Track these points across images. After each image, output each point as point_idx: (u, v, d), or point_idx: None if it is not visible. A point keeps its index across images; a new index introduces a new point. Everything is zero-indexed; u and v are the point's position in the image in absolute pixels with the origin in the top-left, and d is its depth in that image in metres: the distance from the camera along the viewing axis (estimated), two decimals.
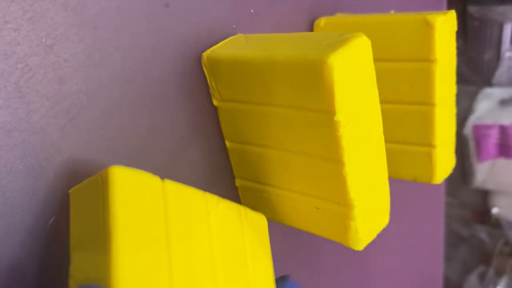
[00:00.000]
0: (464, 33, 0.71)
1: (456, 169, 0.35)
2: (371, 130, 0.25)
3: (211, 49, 0.27)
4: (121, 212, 0.19)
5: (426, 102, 0.31)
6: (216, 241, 0.23)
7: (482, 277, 0.87)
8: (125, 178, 0.20)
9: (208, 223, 0.23)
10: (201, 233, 0.22)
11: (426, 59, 0.30)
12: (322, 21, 0.33)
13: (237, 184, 0.30)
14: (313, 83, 0.22)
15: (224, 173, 0.30)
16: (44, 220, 0.22)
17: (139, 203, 0.20)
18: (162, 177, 0.26)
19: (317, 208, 0.27)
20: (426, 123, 0.31)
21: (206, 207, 0.23)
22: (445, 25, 0.29)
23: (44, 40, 0.21)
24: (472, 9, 0.70)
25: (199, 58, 0.27)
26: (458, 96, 0.34)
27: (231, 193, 0.31)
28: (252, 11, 0.30)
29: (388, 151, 0.27)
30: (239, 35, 0.28)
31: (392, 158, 0.31)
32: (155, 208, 0.21)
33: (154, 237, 0.20)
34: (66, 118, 0.22)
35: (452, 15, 0.30)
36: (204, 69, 0.27)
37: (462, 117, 0.78)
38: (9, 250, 0.21)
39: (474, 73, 0.75)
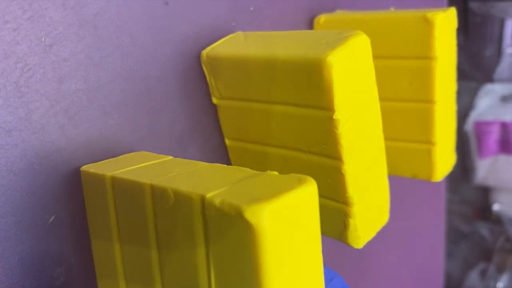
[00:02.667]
0: (465, 29, 0.71)
1: (457, 165, 0.35)
2: (370, 128, 0.25)
3: (210, 47, 0.27)
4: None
5: (426, 100, 0.31)
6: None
7: (483, 273, 0.87)
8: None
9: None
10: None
11: (426, 56, 0.30)
12: (322, 18, 0.33)
13: None
14: (312, 82, 0.22)
15: None
16: (44, 218, 0.22)
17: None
18: None
19: None
20: (426, 120, 0.31)
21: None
22: (445, 22, 0.29)
23: (43, 39, 0.21)
24: (473, 5, 0.69)
25: (198, 56, 0.27)
26: (459, 92, 0.34)
27: None
28: (251, 8, 0.30)
29: (388, 149, 0.27)
30: (239, 32, 0.28)
31: (392, 156, 0.31)
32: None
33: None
34: (66, 117, 0.22)
35: (452, 12, 0.30)
36: (204, 67, 0.27)
37: (463, 114, 0.78)
38: (9, 249, 0.21)
39: (475, 69, 0.75)
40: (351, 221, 0.25)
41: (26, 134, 0.21)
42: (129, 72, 0.24)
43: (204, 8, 0.27)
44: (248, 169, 0.19)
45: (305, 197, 0.17)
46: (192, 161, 0.22)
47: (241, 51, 0.26)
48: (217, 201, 0.16)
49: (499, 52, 0.72)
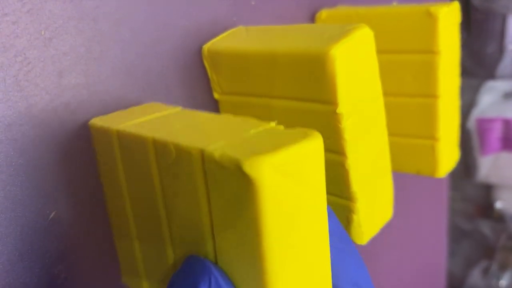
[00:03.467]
0: (468, 26, 0.71)
1: (459, 163, 0.35)
2: (374, 122, 0.25)
3: (211, 41, 0.27)
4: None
5: (430, 95, 0.30)
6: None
7: (485, 271, 0.87)
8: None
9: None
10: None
11: (429, 51, 0.29)
12: (323, 13, 0.33)
13: None
14: (315, 75, 0.22)
15: None
16: (44, 214, 0.22)
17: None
18: None
19: None
20: (430, 115, 0.31)
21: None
22: (449, 16, 0.29)
23: (43, 33, 0.21)
24: (476, 1, 0.69)
25: (199, 51, 0.27)
26: (461, 89, 0.33)
27: None
28: (253, 3, 0.29)
29: (391, 144, 0.27)
30: (240, 27, 0.28)
31: (395, 151, 0.31)
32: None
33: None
34: (66, 111, 0.22)
35: (455, 6, 0.30)
36: (205, 62, 0.27)
37: (465, 110, 0.77)
38: (9, 245, 0.21)
39: (477, 65, 0.75)
40: (354, 217, 0.25)
41: (26, 129, 0.21)
42: (129, 66, 0.24)
43: (205, 3, 0.27)
44: (255, 120, 0.19)
45: (309, 151, 0.16)
46: (200, 112, 0.21)
47: (243, 45, 0.25)
48: (216, 155, 0.16)
49: (501, 49, 0.71)
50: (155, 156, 0.19)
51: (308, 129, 0.17)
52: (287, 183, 0.15)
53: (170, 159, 0.18)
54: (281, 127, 0.18)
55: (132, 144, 0.20)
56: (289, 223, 0.16)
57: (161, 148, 0.18)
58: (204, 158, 0.16)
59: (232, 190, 0.16)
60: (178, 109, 0.22)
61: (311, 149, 0.16)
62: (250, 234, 0.15)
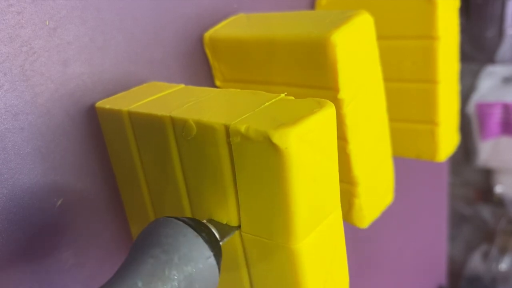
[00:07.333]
0: (467, 11, 0.70)
1: (459, 148, 0.35)
2: (374, 108, 0.25)
3: (213, 29, 0.27)
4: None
5: (429, 80, 0.31)
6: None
7: (485, 255, 0.87)
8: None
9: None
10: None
11: (428, 36, 0.29)
12: (323, 0, 0.33)
13: None
14: (316, 61, 0.22)
15: None
16: (52, 202, 0.22)
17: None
18: None
19: None
20: (429, 100, 0.31)
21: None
22: (448, 1, 0.29)
23: (47, 23, 0.21)
24: None
25: (201, 39, 0.27)
26: (461, 74, 0.33)
27: None
28: None
29: (391, 129, 0.27)
30: (241, 14, 0.28)
31: (395, 136, 0.31)
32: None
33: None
34: (71, 100, 0.22)
35: None
36: (206, 49, 0.27)
37: (464, 95, 0.77)
38: (18, 232, 0.21)
39: (477, 50, 0.75)
40: (356, 200, 0.25)
41: (32, 118, 0.21)
42: (132, 55, 0.24)
43: None
44: (263, 92, 0.19)
45: (325, 120, 0.17)
46: (205, 88, 0.22)
47: (244, 32, 0.26)
48: (242, 128, 0.17)
49: (500, 33, 0.71)
50: (173, 134, 0.19)
51: (319, 98, 0.18)
52: (309, 149, 0.17)
53: (190, 135, 0.19)
54: (292, 97, 0.19)
55: (146, 124, 0.20)
56: (310, 180, 0.17)
57: (180, 125, 0.19)
58: (229, 132, 0.17)
59: (259, 159, 0.17)
60: (182, 86, 0.23)
61: (328, 117, 0.17)
62: (279, 194, 0.17)
